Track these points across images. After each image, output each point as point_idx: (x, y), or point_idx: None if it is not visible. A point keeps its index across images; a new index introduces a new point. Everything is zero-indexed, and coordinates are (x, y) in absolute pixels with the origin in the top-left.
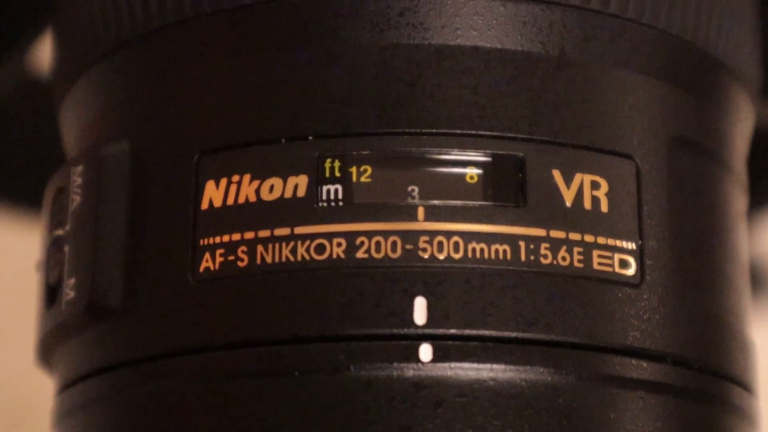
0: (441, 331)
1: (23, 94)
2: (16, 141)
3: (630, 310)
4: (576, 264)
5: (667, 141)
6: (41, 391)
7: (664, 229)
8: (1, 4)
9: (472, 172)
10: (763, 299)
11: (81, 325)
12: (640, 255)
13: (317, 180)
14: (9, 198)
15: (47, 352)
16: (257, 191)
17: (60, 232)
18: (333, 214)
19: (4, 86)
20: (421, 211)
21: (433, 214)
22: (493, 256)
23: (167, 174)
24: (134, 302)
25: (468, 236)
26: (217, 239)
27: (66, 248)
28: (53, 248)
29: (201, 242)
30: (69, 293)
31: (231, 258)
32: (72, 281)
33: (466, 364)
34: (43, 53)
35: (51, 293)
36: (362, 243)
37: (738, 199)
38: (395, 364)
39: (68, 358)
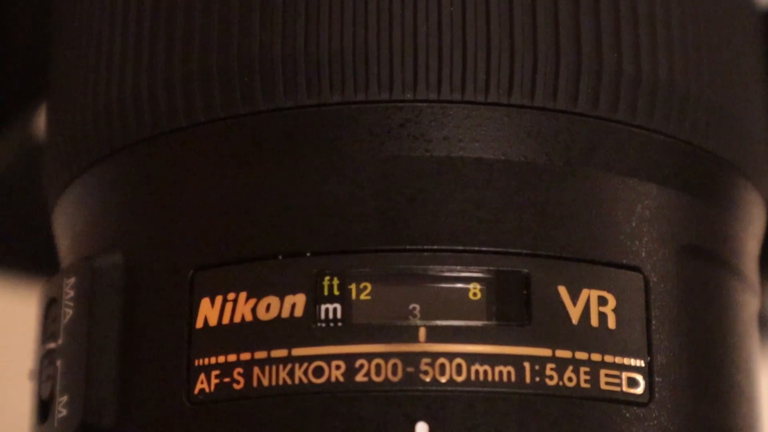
0: None
1: (28, 161)
2: (22, 208)
3: (638, 430)
4: (583, 384)
5: (676, 250)
6: None
7: (673, 344)
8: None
9: (476, 288)
10: None
11: None
12: (649, 372)
13: (315, 299)
14: (13, 265)
15: None
16: (253, 310)
17: (52, 345)
18: (331, 336)
19: (8, 155)
20: (422, 332)
21: (435, 335)
22: (497, 378)
23: (161, 289)
24: (128, 423)
25: (471, 358)
26: (213, 360)
27: (58, 362)
28: (46, 361)
29: (196, 362)
30: (61, 411)
31: (227, 380)
32: (65, 398)
33: None
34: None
35: (43, 408)
36: (362, 366)
37: (749, 304)
38: None
39: None
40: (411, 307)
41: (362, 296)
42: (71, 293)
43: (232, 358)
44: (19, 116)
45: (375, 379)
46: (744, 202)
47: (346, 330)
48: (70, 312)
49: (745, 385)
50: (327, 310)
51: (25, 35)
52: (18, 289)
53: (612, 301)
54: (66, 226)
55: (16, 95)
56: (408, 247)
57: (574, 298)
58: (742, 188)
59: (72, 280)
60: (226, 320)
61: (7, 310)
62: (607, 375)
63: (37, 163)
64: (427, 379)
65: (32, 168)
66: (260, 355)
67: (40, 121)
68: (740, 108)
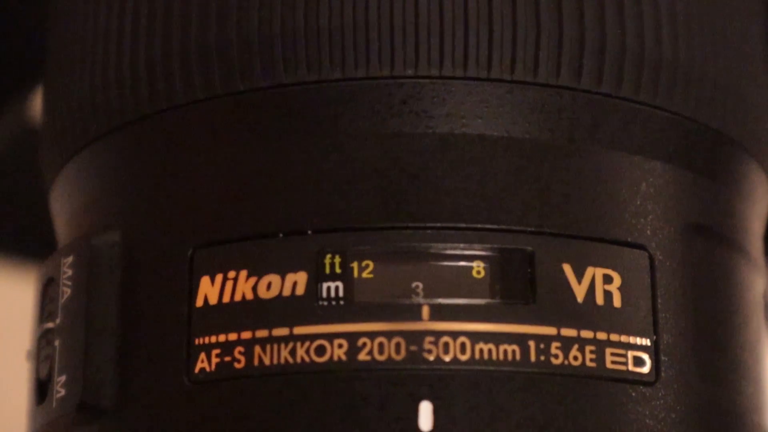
0: None
1: (25, 142)
2: (19, 190)
3: (645, 410)
4: (588, 363)
5: (681, 228)
6: None
7: (680, 323)
8: None
9: (479, 266)
10: None
11: (72, 425)
12: (655, 351)
13: (317, 277)
14: (10, 249)
15: None
16: (254, 288)
17: (50, 324)
18: (334, 314)
19: (4, 136)
20: (425, 310)
21: (438, 313)
22: (501, 357)
23: (160, 268)
24: (127, 403)
25: (475, 336)
26: (213, 339)
27: (56, 342)
28: (44, 341)
29: (196, 341)
30: (60, 391)
31: (227, 359)
32: (63, 378)
33: None
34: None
35: (41, 388)
36: (364, 344)
37: (755, 283)
38: None
39: None
40: (414, 285)
41: (364, 274)
42: (69, 272)
43: (232, 336)
44: (15, 98)
45: (378, 357)
46: (749, 180)
47: (349, 308)
48: (68, 291)
49: (751, 365)
50: (329, 288)
51: (21, 16)
52: (15, 272)
53: (617, 279)
54: (63, 207)
55: (11, 76)
56: (410, 224)
57: (579, 276)
58: (746, 166)
59: (70, 259)
60: (226, 299)
61: (5, 293)
62: (612, 354)
63: (33, 145)
64: (431, 358)
65: (28, 149)
66: (261, 333)
67: (37, 103)
68: (745, 85)
